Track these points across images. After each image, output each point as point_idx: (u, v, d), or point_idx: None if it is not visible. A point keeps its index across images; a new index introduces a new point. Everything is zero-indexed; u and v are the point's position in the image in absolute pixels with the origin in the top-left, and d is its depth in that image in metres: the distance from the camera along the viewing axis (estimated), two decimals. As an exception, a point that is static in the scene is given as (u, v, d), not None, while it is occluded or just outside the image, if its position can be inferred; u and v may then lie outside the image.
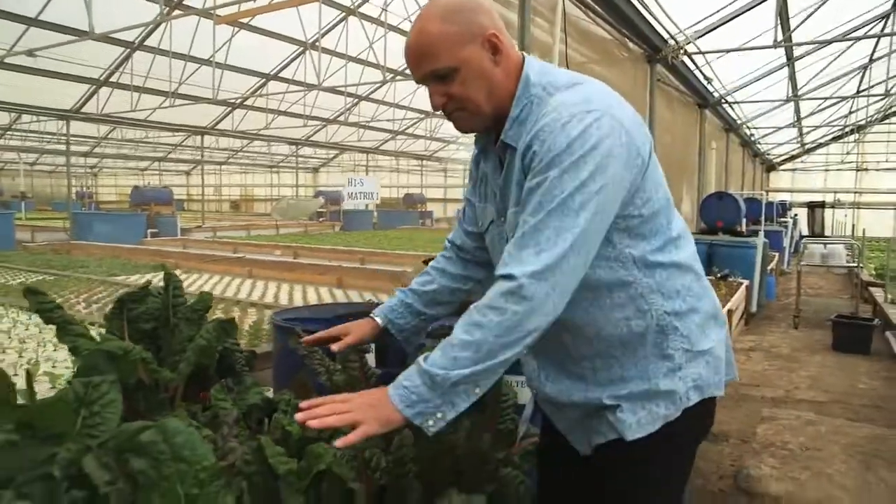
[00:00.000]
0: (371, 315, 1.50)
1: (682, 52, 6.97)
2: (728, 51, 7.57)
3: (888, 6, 8.99)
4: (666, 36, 6.78)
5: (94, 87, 14.22)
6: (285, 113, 17.43)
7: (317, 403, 1.09)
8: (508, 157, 1.27)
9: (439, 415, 1.08)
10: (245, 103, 16.59)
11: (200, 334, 1.57)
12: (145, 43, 12.51)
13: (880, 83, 12.66)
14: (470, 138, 1.42)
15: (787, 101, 11.57)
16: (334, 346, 1.44)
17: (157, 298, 1.75)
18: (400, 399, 1.08)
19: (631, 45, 6.42)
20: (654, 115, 7.01)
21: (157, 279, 3.55)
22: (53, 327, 1.57)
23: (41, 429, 1.02)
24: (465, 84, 1.23)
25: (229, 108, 17.11)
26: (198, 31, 11.94)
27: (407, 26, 12.05)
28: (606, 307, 1.23)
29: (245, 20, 11.78)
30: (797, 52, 9.63)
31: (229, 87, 13.90)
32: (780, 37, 7.21)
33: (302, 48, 14.05)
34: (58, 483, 0.98)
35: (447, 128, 11.10)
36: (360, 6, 12.53)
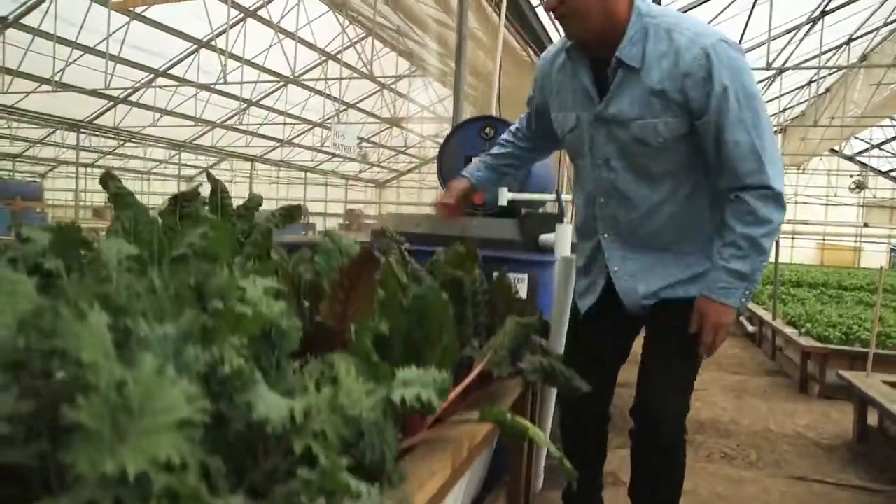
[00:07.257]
0: (462, 174, 1.91)
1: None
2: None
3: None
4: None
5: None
6: (171, 113, 16.73)
7: None
8: (623, 73, 1.49)
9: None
10: (130, 99, 15.80)
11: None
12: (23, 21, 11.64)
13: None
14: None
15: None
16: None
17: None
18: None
19: (530, 51, 7.17)
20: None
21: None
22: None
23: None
24: None
25: (111, 103, 16.14)
26: (87, 17, 11.41)
27: (304, 35, 12.28)
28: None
29: (140, 9, 11.37)
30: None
31: (114, 84, 13.16)
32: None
33: (196, 45, 13.71)
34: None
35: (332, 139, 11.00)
36: (258, 9, 12.55)
